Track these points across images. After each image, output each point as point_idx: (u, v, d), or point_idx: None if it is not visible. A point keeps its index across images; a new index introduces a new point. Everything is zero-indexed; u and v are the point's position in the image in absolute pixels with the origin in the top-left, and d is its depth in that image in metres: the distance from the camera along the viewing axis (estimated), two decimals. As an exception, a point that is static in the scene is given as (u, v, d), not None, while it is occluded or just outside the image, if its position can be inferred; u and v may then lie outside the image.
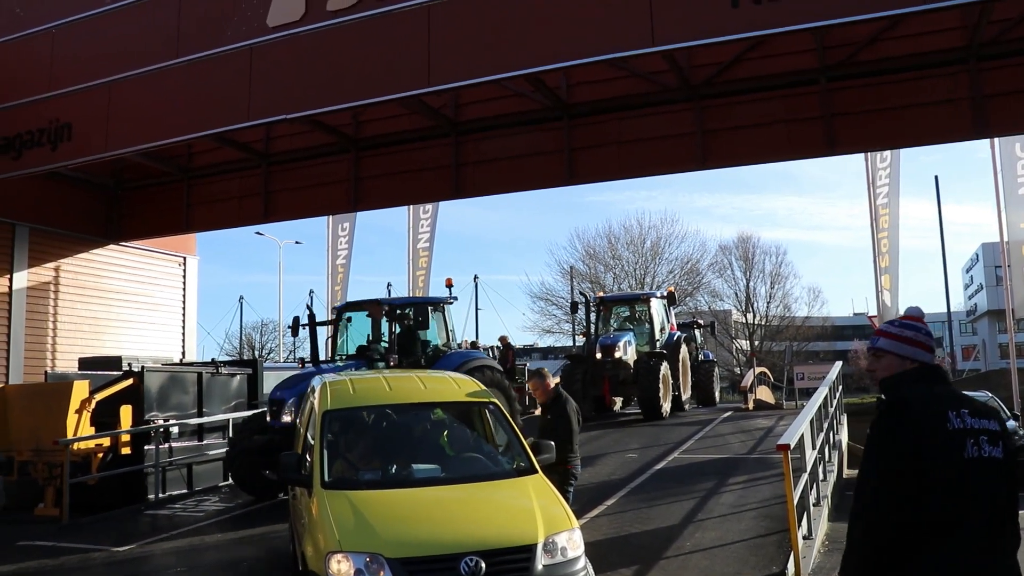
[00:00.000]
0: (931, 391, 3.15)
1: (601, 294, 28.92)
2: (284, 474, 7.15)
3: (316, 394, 7.90)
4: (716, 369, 27.96)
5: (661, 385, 19.37)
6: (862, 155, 21.35)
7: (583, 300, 22.15)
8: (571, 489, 8.79)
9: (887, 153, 20.92)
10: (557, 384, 10.32)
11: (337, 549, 5.88)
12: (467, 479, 7.02)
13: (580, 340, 24.20)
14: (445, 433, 8.00)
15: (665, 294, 23.73)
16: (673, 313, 23.85)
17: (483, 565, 5.79)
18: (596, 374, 20.41)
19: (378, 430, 7.82)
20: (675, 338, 22.21)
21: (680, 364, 21.46)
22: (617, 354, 19.94)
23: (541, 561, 6.01)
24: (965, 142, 15.21)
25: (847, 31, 13.08)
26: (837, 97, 14.22)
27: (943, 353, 45.53)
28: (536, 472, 7.12)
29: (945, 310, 38.78)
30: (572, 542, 6.26)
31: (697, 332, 27.59)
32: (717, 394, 26.84)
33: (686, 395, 22.27)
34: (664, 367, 19.76)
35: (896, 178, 21.46)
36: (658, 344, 21.44)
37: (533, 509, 6.40)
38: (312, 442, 7.20)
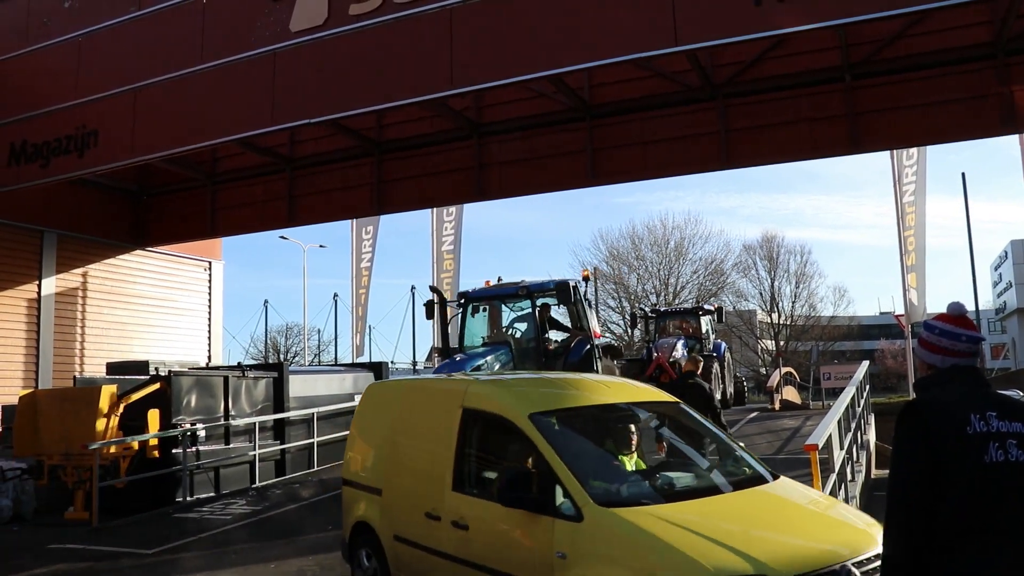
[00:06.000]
0: (957, 393, 3.07)
1: (491, 283, 15.83)
2: (511, 494, 5.68)
3: (461, 394, 6.74)
4: (718, 366, 21.89)
5: None
6: (888, 153, 21.16)
7: (437, 299, 15.09)
8: None
9: (913, 151, 20.73)
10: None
11: None
12: (739, 485, 6.08)
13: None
14: (671, 437, 7.17)
15: (573, 283, 14.46)
16: (592, 313, 15.57)
17: (857, 574, 5.03)
18: None
19: (596, 435, 6.69)
20: (585, 351, 14.13)
21: None
22: None
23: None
24: (998, 138, 14.94)
25: (871, 28, 12.97)
26: (861, 95, 14.09)
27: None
28: (779, 475, 6.38)
29: (974, 308, 38.34)
30: None
31: (704, 320, 24.09)
32: (719, 395, 20.41)
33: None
34: None
35: (923, 176, 21.27)
36: (558, 365, 13.73)
37: (843, 515, 5.87)
38: (542, 453, 5.84)
